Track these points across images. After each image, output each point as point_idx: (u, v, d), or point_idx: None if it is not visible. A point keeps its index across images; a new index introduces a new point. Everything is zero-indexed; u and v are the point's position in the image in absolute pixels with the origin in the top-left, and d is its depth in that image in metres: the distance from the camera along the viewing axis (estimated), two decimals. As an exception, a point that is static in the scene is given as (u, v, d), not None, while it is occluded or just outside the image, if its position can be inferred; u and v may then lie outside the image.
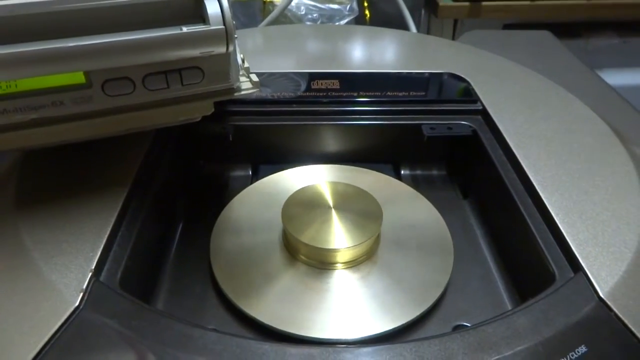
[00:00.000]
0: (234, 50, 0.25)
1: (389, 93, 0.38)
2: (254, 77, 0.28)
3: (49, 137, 0.25)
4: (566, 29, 0.82)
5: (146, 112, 0.26)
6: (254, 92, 0.28)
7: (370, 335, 0.25)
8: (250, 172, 0.38)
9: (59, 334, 0.21)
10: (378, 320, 0.26)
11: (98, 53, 0.22)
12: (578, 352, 0.20)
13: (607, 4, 0.81)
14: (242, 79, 0.28)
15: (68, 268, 0.23)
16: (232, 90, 0.27)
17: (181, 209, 0.35)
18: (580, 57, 0.55)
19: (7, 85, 0.22)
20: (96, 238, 0.25)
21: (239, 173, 0.38)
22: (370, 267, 0.29)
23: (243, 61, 0.29)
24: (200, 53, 0.23)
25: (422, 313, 0.27)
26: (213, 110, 0.28)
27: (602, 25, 0.89)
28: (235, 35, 0.25)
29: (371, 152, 0.38)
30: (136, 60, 0.23)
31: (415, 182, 0.37)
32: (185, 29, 0.22)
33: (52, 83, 0.23)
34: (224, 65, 0.25)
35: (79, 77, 0.23)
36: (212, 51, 0.23)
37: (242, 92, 0.27)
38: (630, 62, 0.89)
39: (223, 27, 0.23)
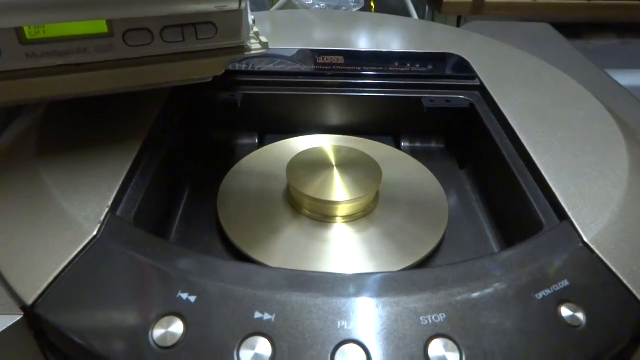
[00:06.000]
0: (246, 8, 0.27)
1: (391, 68, 0.39)
2: (264, 39, 0.30)
3: (72, 86, 0.27)
4: (567, 29, 0.84)
5: (162, 66, 0.27)
6: (263, 52, 0.29)
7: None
8: (257, 141, 0.40)
9: (78, 258, 0.22)
10: (372, 269, 0.28)
11: (120, 2, 0.23)
12: (561, 285, 0.22)
13: (607, 5, 0.83)
14: (252, 40, 0.30)
15: (86, 204, 0.25)
16: (243, 48, 0.29)
17: (189, 170, 0.36)
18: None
19: (36, 31, 0.24)
20: (112, 181, 0.26)
21: (245, 141, 0.40)
22: (368, 223, 0.30)
23: (254, 22, 0.30)
24: (215, 7, 0.25)
25: (415, 264, 0.28)
26: (224, 70, 0.30)
27: (602, 26, 0.91)
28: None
29: (373, 124, 0.40)
30: (155, 11, 0.24)
31: (414, 154, 0.39)
32: (202, -17, 0.24)
33: (78, 31, 0.25)
34: (236, 22, 0.27)
35: (102, 27, 0.25)
36: (226, 6, 0.25)
37: (252, 52, 0.29)
38: (629, 64, 0.90)
39: (237, -18, 0.25)
